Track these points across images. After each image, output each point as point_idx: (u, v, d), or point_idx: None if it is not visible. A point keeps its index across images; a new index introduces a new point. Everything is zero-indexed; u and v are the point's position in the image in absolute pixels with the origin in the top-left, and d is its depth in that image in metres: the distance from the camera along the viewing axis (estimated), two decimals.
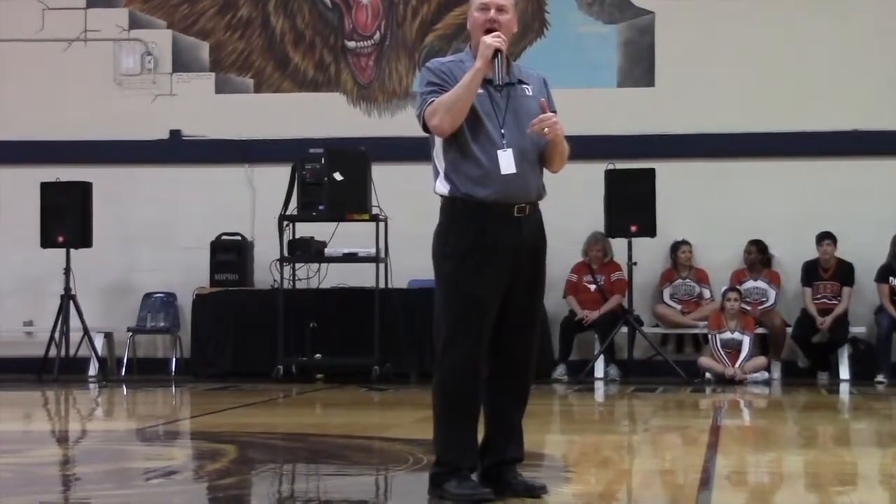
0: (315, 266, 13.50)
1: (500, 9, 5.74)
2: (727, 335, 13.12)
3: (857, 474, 7.13)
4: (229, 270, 13.94)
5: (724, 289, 13.41)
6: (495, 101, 5.72)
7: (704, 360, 13.21)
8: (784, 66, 14.00)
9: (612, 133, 13.80)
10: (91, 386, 13.13)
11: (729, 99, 14.01)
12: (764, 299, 13.66)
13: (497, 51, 5.64)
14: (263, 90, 14.70)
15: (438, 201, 5.80)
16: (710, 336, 13.23)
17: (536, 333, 5.87)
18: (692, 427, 9.55)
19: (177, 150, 14.60)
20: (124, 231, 14.41)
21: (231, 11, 14.76)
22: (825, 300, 13.42)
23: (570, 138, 5.80)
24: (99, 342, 13.79)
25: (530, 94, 5.79)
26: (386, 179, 13.08)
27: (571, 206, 12.40)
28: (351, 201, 12.92)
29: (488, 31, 5.70)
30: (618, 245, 13.58)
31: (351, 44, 14.67)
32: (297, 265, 13.41)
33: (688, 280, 13.84)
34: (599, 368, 13.24)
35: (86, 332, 13.45)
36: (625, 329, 13.27)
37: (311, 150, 13.13)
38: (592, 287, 13.69)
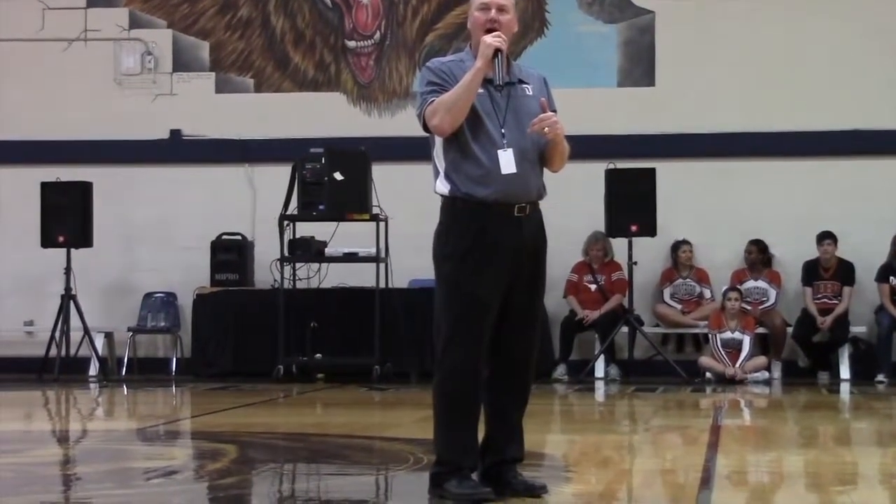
0: (315, 266, 13.49)
1: (500, 8, 5.74)
2: (728, 335, 13.12)
3: (858, 474, 7.13)
4: (230, 270, 13.94)
5: (724, 288, 13.41)
6: (496, 100, 5.71)
7: (705, 360, 13.20)
8: (784, 66, 13.99)
9: (613, 133, 13.80)
10: (91, 386, 13.12)
11: (729, 99, 14.01)
12: (764, 299, 13.65)
13: (497, 50, 5.64)
14: (263, 90, 14.70)
15: (439, 201, 5.80)
16: (710, 336, 13.22)
17: (537, 333, 5.87)
18: (692, 427, 9.55)
19: (177, 149, 14.59)
20: (124, 231, 14.40)
21: (231, 11, 14.75)
22: (826, 300, 13.42)
23: (570, 138, 5.80)
24: (99, 342, 13.79)
25: (531, 93, 5.79)
26: (386, 179, 13.08)
27: (572, 205, 12.41)
28: (351, 201, 12.92)
29: (489, 31, 5.69)
30: (618, 245, 13.58)
31: (351, 43, 14.66)
32: (298, 265, 13.41)
33: (688, 280, 13.84)
34: (600, 368, 13.23)
35: (86, 331, 13.44)
36: (625, 329, 13.26)
37: (312, 150, 13.11)
38: (593, 287, 13.68)
